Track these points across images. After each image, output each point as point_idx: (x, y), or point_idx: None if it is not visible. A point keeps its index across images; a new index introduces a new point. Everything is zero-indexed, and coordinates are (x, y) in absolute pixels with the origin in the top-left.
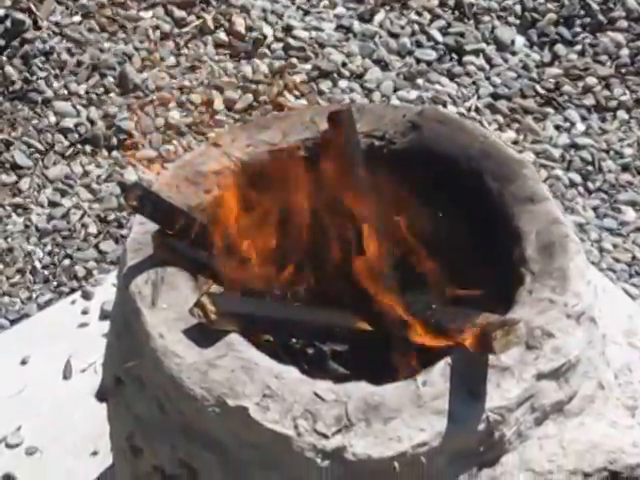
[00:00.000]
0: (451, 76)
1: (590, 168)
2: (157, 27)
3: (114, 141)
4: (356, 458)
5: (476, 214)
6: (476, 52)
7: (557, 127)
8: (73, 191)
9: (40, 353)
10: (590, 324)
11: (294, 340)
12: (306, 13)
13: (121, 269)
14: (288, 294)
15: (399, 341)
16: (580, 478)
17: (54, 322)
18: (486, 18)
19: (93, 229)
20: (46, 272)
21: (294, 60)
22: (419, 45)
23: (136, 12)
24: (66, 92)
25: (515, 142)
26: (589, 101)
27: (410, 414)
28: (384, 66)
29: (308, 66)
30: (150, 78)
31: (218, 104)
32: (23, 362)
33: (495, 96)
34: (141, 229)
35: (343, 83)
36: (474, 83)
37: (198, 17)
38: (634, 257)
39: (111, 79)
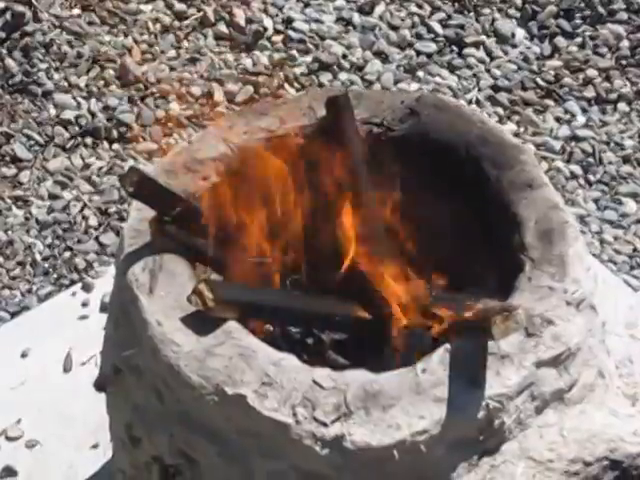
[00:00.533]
0: (451, 68)
1: (591, 160)
2: (157, 20)
3: (114, 133)
4: (355, 446)
5: (474, 200)
6: (476, 44)
7: (557, 119)
8: (73, 183)
9: (40, 346)
10: (590, 311)
11: (293, 328)
12: (306, 5)
13: (118, 256)
14: (287, 282)
15: (398, 329)
16: (580, 467)
17: (54, 314)
18: (486, 10)
19: (93, 221)
20: (46, 264)
21: (294, 52)
22: (419, 37)
23: (136, 5)
24: (66, 84)
25: (516, 134)
26: (589, 93)
27: (409, 402)
28: (384, 58)
29: (308, 58)
30: (150, 71)
31: (218, 96)
32: (23, 355)
33: (495, 88)
34: (138, 215)
35: (343, 75)
36: (474, 75)
37: (198, 10)
38: (635, 249)
39: (111, 71)
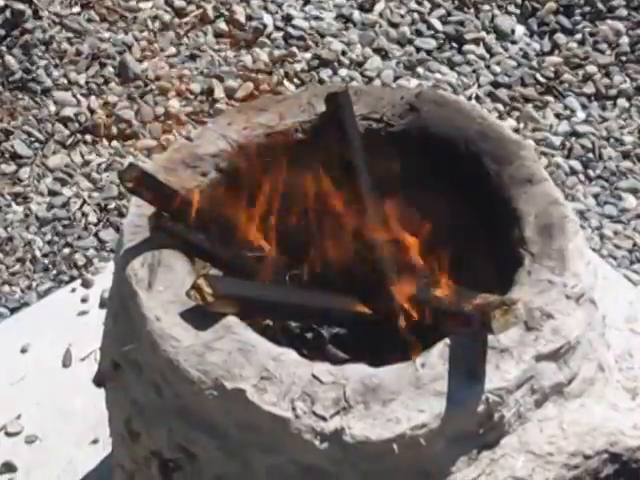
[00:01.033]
0: (451, 65)
1: (590, 156)
2: (157, 17)
3: (114, 130)
4: (354, 440)
5: (474, 196)
6: (476, 41)
7: (557, 115)
8: (73, 180)
9: (40, 341)
10: (590, 305)
11: (292, 323)
12: (306, 2)
13: (118, 252)
14: (287, 277)
15: (398, 324)
16: (580, 460)
17: (54, 310)
18: (486, 7)
19: (93, 218)
20: (46, 261)
21: (294, 49)
22: (419, 34)
23: (136, 2)
24: (66, 81)
25: (516, 130)
26: (589, 89)
27: (409, 396)
28: (384, 55)
29: (308, 55)
30: (150, 67)
31: (218, 93)
32: (23, 350)
33: (495, 84)
34: (138, 211)
35: (343, 72)
36: (474, 72)
37: (198, 7)
38: (635, 244)
39: (111, 69)
